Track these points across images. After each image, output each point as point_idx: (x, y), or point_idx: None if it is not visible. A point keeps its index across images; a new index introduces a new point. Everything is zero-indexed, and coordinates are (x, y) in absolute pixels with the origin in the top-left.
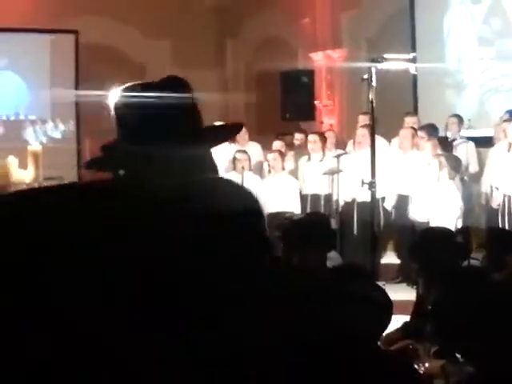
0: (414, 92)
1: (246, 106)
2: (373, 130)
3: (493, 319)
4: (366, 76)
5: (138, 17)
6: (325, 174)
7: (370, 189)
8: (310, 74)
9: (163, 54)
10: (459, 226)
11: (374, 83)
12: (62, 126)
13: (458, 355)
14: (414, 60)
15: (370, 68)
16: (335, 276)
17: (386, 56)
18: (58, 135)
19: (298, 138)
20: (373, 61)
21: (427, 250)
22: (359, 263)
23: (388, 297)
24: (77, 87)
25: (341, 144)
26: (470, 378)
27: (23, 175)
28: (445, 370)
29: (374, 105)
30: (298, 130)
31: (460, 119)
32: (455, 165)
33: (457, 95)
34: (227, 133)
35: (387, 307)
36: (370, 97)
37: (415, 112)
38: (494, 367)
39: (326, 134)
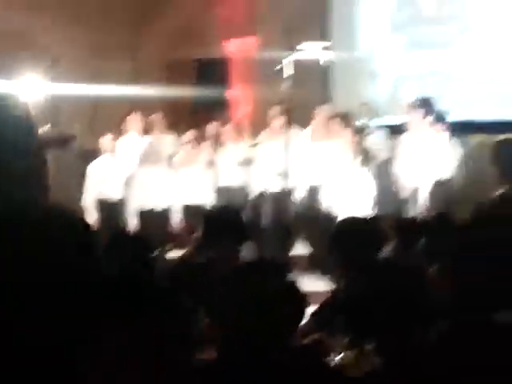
0: (326, 81)
1: (160, 96)
2: (288, 120)
3: (404, 311)
4: (279, 66)
5: (50, 5)
6: (239, 164)
7: (283, 179)
8: (224, 62)
9: (76, 44)
10: (375, 214)
11: (288, 73)
12: None
13: (370, 346)
14: (329, 49)
15: (284, 58)
16: (249, 271)
17: (300, 46)
18: None
19: (211, 128)
20: (287, 50)
21: (345, 240)
22: (273, 256)
23: (302, 291)
24: None
25: (256, 134)
26: (382, 368)
27: None
28: (358, 361)
29: (288, 95)
30: (212, 120)
31: (371, 107)
32: (367, 154)
33: (370, 83)
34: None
35: (302, 301)
36: (284, 87)
37: (329, 101)
38: (405, 358)
39: (244, 124)
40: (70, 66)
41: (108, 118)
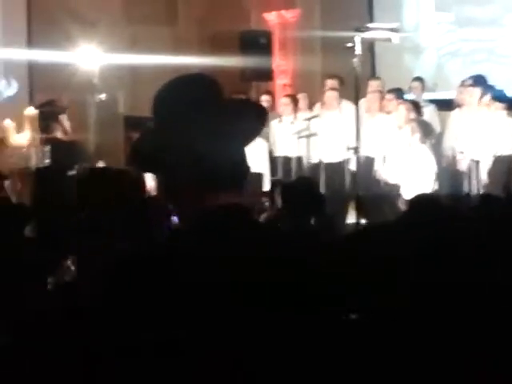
0: (371, 56)
1: (202, 65)
2: (357, 96)
3: None
4: (350, 44)
5: None
6: (300, 136)
7: (355, 153)
8: (268, 34)
9: (114, 11)
10: (435, 189)
11: (358, 51)
12: (15, 84)
13: None
14: (396, 30)
15: (353, 37)
16: None
17: (369, 25)
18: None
19: (264, 99)
20: (356, 30)
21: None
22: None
23: None
24: (29, 45)
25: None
26: None
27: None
28: None
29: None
30: (266, 91)
31: (423, 82)
32: (426, 130)
33: (415, 59)
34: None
35: None
36: (355, 64)
37: (375, 75)
38: None
39: (299, 96)
40: (107, 33)
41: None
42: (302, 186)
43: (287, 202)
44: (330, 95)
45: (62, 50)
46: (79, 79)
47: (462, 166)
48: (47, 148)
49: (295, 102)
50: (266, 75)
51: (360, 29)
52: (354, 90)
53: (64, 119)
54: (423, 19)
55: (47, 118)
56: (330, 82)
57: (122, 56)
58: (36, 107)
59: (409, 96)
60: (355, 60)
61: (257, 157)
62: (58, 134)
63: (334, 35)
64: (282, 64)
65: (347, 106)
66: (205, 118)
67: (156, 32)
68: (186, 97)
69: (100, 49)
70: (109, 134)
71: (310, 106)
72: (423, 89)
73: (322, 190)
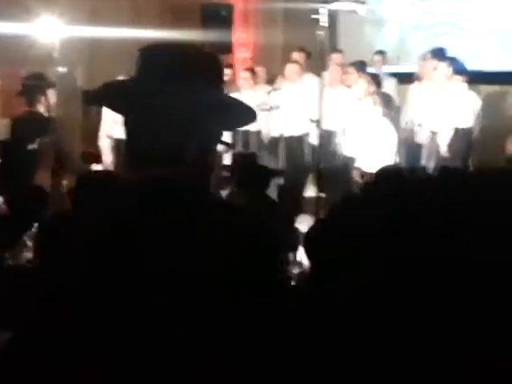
0: (332, 29)
1: (162, 38)
2: (322, 69)
3: None
4: (315, 16)
5: None
6: (261, 109)
7: (317, 126)
8: (230, 7)
9: None
10: (397, 161)
11: (324, 23)
12: None
13: None
14: (362, 1)
15: (319, 8)
16: None
17: None
18: None
19: (225, 73)
20: (323, 1)
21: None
22: None
23: None
24: None
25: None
26: None
27: None
28: None
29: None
30: (226, 65)
31: (384, 56)
32: (387, 103)
33: (377, 32)
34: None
35: None
36: (320, 37)
37: (337, 48)
38: None
39: (258, 69)
40: (65, 4)
41: (110, 58)
42: (250, 161)
43: (240, 177)
44: (290, 68)
45: (21, 21)
46: (38, 52)
47: (421, 138)
48: (7, 121)
49: (255, 75)
50: (226, 48)
51: (326, 0)
52: (318, 63)
53: (52, 94)
54: None
55: (33, 92)
56: (294, 55)
57: (82, 28)
58: (23, 79)
59: (370, 69)
60: (320, 32)
61: None
62: (41, 109)
63: (297, 7)
64: (242, 37)
65: (309, 79)
66: (196, 92)
67: (116, 3)
68: (188, 64)
69: (60, 21)
70: (67, 109)
71: (272, 80)
72: (384, 62)
73: (283, 163)
